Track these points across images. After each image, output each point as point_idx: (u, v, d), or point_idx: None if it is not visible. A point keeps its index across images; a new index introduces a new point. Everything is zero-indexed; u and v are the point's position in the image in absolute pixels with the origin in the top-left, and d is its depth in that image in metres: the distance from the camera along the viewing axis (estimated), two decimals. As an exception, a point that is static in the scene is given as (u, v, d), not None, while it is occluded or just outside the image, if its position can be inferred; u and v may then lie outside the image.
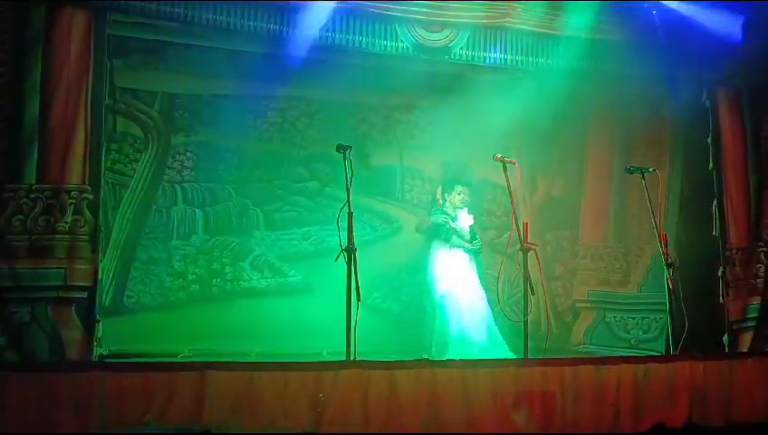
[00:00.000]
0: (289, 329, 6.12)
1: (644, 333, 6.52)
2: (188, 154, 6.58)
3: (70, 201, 4.77)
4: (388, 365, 4.11)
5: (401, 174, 7.18)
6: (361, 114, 7.02)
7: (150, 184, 6.43)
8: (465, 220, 6.04)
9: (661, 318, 6.17)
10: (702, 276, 6.04)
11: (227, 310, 6.41)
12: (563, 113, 6.60)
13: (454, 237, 5.96)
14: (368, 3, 5.48)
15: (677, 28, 5.90)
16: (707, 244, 6.15)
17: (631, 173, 5.29)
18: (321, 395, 3.79)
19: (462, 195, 6.08)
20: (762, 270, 6.03)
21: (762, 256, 6.06)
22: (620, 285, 6.83)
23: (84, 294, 4.74)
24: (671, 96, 6.46)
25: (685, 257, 5.95)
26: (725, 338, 5.95)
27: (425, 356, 5.42)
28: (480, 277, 6.03)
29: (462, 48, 5.75)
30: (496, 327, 5.82)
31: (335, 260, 4.42)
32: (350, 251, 4.37)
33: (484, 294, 5.92)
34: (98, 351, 4.90)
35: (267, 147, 6.82)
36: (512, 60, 5.86)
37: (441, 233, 5.97)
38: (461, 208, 6.08)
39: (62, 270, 4.70)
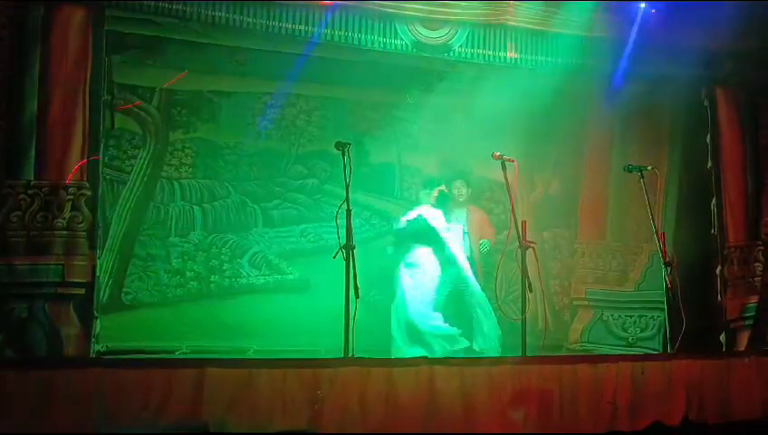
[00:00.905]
0: (287, 326, 6.13)
1: (641, 331, 6.53)
2: (187, 151, 6.58)
3: (68, 198, 4.76)
4: (386, 363, 4.12)
5: (400, 172, 7.18)
6: (360, 111, 7.02)
7: (148, 181, 6.42)
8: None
9: (659, 316, 6.18)
10: (700, 275, 6.05)
11: (225, 307, 6.41)
12: (562, 111, 6.60)
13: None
14: (367, 0, 5.47)
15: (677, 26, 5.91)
16: (705, 242, 6.16)
17: (630, 171, 5.29)
18: (320, 392, 3.79)
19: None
20: (760, 269, 6.03)
21: (760, 254, 6.07)
22: (618, 284, 6.83)
23: (82, 291, 4.74)
24: (670, 95, 6.47)
25: (683, 256, 5.96)
26: (723, 337, 5.95)
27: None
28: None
29: (461, 46, 5.75)
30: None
31: (333, 257, 4.43)
32: (348, 248, 4.37)
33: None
34: (95, 347, 4.90)
35: (266, 144, 6.82)
36: (511, 57, 5.85)
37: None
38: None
39: (60, 266, 4.69)
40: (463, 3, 5.64)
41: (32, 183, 4.72)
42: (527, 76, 5.99)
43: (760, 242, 6.10)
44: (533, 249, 4.83)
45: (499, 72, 6.01)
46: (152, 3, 5.04)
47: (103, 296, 5.76)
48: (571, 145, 7.11)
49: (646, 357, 5.35)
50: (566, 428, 4.15)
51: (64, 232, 4.74)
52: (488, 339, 5.72)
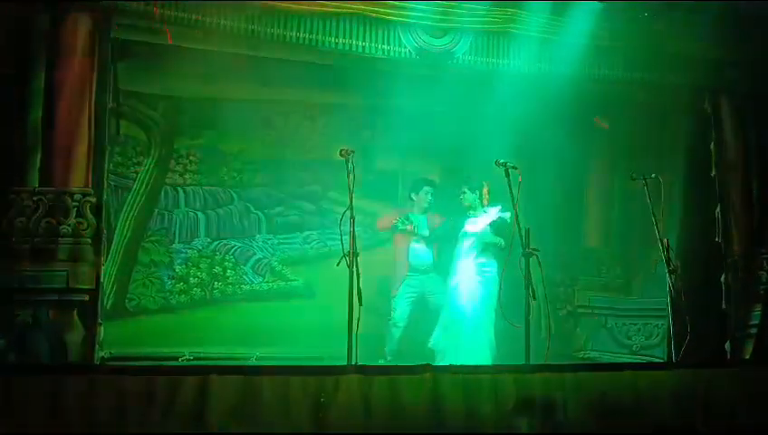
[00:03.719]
0: (290, 333, 6.13)
1: (646, 339, 6.51)
2: (191, 157, 6.61)
3: (73, 204, 4.78)
4: (389, 370, 4.11)
5: (403, 179, 7.18)
6: (364, 118, 7.03)
7: (153, 187, 6.44)
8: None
9: (663, 325, 6.15)
10: (704, 283, 6.03)
11: (229, 314, 6.42)
12: (566, 118, 6.59)
13: None
14: (371, 8, 5.49)
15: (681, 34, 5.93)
16: (710, 250, 6.14)
17: (634, 179, 5.30)
18: (323, 399, 3.78)
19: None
20: (765, 277, 6.01)
21: (764, 262, 6.05)
22: (622, 291, 6.82)
23: (86, 297, 4.74)
24: (674, 102, 6.47)
25: (687, 264, 5.94)
26: (728, 345, 5.93)
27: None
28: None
29: (465, 53, 5.76)
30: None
31: (337, 264, 4.43)
32: (352, 255, 4.37)
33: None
34: (99, 353, 4.90)
35: (270, 150, 6.83)
36: (514, 65, 5.86)
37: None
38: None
39: (65, 273, 4.70)
40: (467, 10, 5.64)
41: (37, 189, 4.74)
42: (531, 83, 5.99)
43: (764, 250, 6.08)
44: (537, 256, 4.82)
45: (503, 79, 6.01)
46: (158, 11, 5.06)
47: (107, 303, 5.78)
48: (576, 152, 7.10)
49: (650, 366, 5.33)
50: (570, 436, 4.13)
51: (69, 239, 4.75)
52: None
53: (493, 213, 5.93)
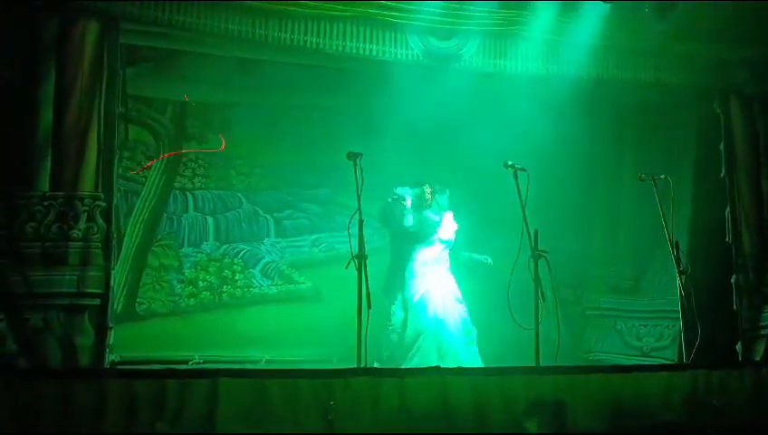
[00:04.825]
0: (299, 336, 6.14)
1: (656, 341, 6.48)
2: (200, 162, 6.64)
3: (83, 209, 4.80)
4: (398, 373, 4.10)
5: (411, 181, 7.16)
6: (372, 121, 7.03)
7: (162, 191, 6.48)
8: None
9: (673, 326, 6.13)
10: (715, 284, 6.00)
11: (238, 317, 6.45)
12: (574, 120, 6.58)
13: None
14: (377, 10, 5.51)
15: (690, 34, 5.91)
16: (720, 251, 6.11)
17: (643, 180, 5.27)
18: (332, 402, 3.79)
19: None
20: (775, 278, 5.98)
21: (775, 263, 6.02)
22: (632, 293, 6.79)
23: (97, 301, 4.76)
24: (683, 103, 6.44)
25: (697, 265, 5.90)
26: (739, 346, 5.89)
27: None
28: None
29: (472, 55, 5.76)
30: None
31: (346, 267, 4.43)
32: (360, 258, 4.37)
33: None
34: (109, 357, 4.92)
35: (277, 154, 6.85)
36: (522, 67, 5.86)
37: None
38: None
39: (75, 277, 4.71)
40: (474, 13, 5.64)
41: (47, 194, 4.76)
42: (539, 84, 5.98)
43: (775, 250, 6.05)
44: (546, 258, 4.81)
45: (511, 80, 6.01)
46: (165, 16, 5.10)
47: (117, 307, 5.81)
48: (584, 153, 7.08)
49: (661, 367, 5.30)
50: (580, 438, 4.11)
51: (79, 243, 4.77)
52: None
53: (449, 218, 5.88)
